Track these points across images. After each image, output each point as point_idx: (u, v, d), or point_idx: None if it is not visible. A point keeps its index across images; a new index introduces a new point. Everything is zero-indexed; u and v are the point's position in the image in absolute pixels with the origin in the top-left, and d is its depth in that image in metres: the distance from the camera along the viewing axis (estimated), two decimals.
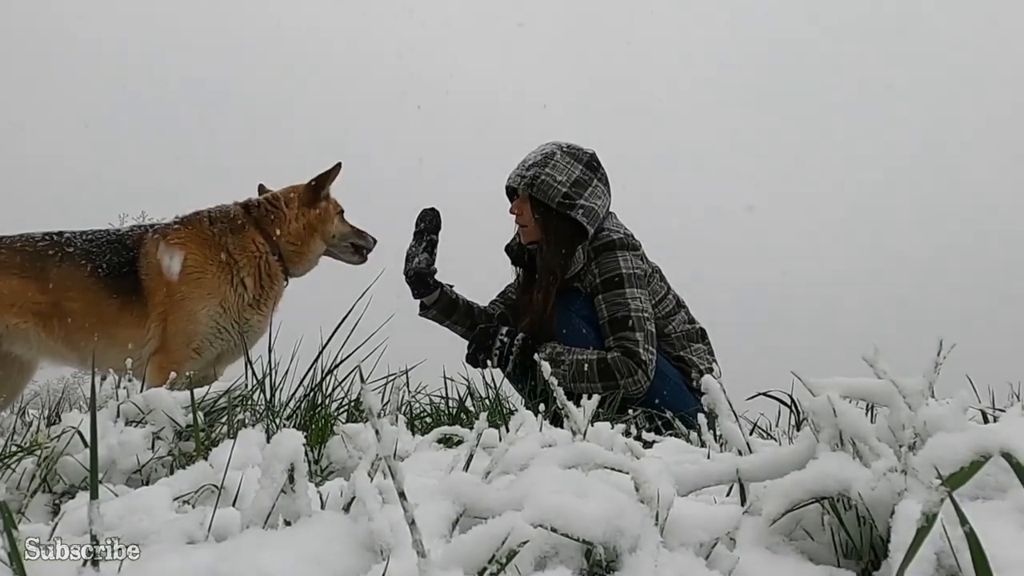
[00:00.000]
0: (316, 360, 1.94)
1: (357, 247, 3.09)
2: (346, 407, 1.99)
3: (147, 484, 1.26)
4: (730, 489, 1.02)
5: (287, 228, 2.83)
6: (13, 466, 1.26)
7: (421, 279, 2.79)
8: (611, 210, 2.85)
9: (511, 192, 2.92)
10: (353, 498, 0.79)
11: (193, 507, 0.97)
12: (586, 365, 2.56)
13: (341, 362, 2.11)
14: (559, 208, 2.70)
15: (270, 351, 2.25)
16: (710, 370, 2.82)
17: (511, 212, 2.89)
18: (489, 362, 2.60)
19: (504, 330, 2.69)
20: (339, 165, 2.99)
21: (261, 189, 3.07)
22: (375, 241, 3.11)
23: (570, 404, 1.27)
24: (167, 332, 2.56)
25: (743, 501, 0.92)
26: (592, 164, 2.79)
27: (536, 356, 2.11)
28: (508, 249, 3.03)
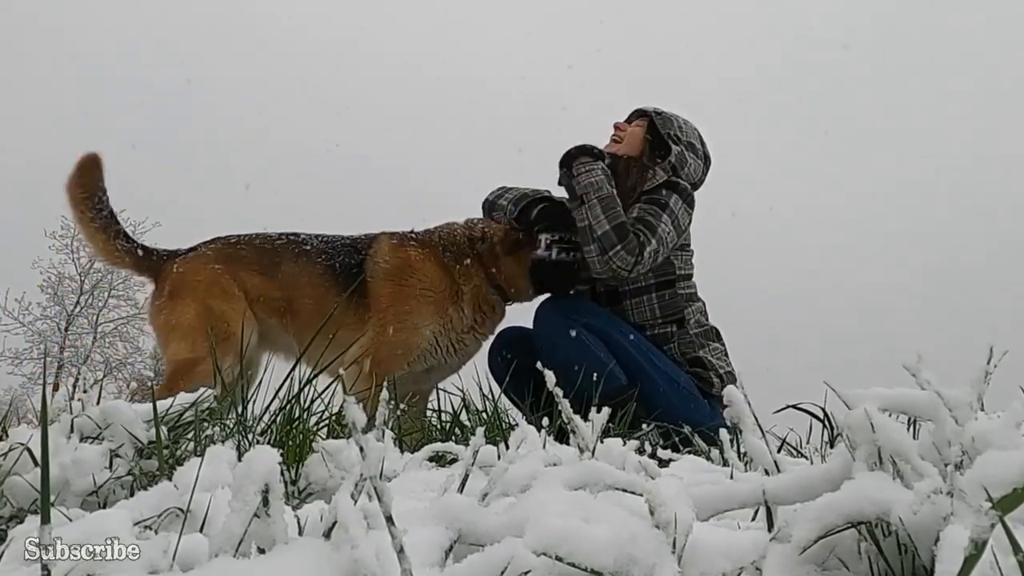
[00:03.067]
0: (293, 368, 1.94)
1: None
2: (327, 421, 1.99)
3: (104, 507, 1.26)
4: (756, 513, 1.02)
5: (502, 270, 3.10)
6: None
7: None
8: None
9: (632, 117, 3.30)
10: (335, 523, 0.79)
11: (156, 533, 0.97)
12: (620, 208, 2.85)
13: (322, 371, 2.11)
14: (667, 139, 3.11)
15: (242, 360, 2.26)
16: (729, 373, 2.85)
17: (615, 125, 3.26)
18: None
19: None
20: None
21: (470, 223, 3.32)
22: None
23: (577, 418, 1.27)
24: (384, 338, 2.83)
25: (770, 526, 0.92)
26: (707, 159, 3.22)
27: (597, 168, 2.82)
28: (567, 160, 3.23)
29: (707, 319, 3.01)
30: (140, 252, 3.01)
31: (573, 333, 2.75)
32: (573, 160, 2.95)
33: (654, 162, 3.10)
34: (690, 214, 3.02)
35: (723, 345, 2.98)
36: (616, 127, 3.26)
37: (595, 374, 2.41)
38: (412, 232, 3.11)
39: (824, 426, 2.00)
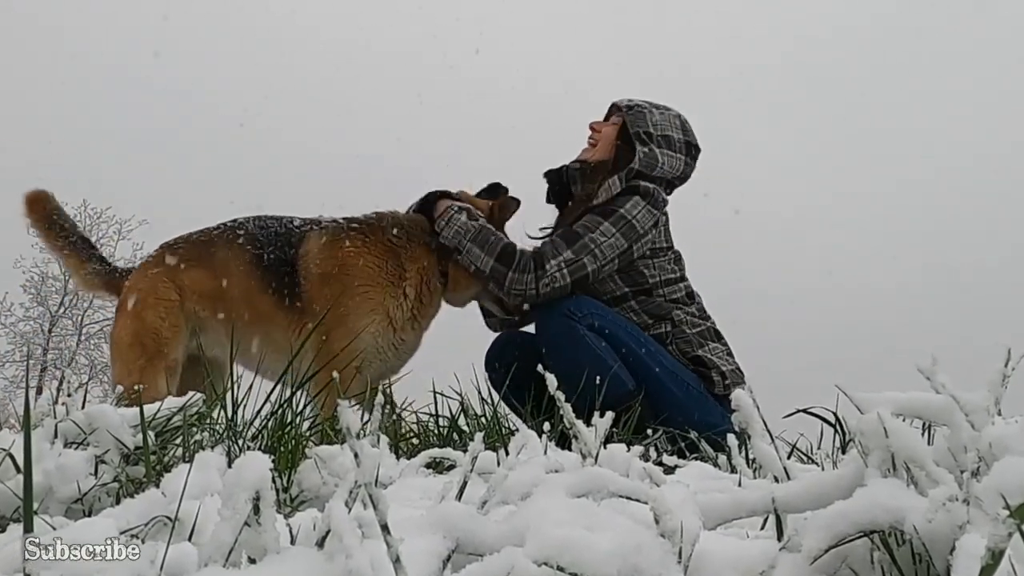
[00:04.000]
0: (285, 372, 1.94)
1: (499, 301, 3.17)
2: (320, 426, 1.99)
3: (89, 515, 1.26)
4: (765, 521, 1.02)
5: (451, 265, 3.03)
6: None
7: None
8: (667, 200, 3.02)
9: (609, 113, 3.18)
10: (328, 531, 0.79)
11: (143, 542, 0.97)
12: (496, 240, 2.79)
13: (315, 374, 2.11)
14: (634, 137, 2.97)
15: (231, 362, 2.26)
16: (733, 371, 2.84)
17: (591, 125, 3.14)
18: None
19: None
20: (519, 202, 3.22)
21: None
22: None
23: (580, 424, 1.27)
24: (329, 352, 2.71)
25: (780, 535, 0.92)
26: (691, 148, 3.08)
27: (454, 208, 2.75)
28: (549, 174, 3.17)
29: (705, 320, 2.95)
30: (108, 273, 3.03)
31: (578, 333, 2.70)
32: (432, 219, 2.92)
33: (618, 168, 2.97)
34: (655, 214, 2.88)
35: (724, 345, 2.94)
36: (592, 128, 3.16)
37: (599, 377, 2.40)
38: (357, 219, 3.01)
39: (836, 431, 2.00)
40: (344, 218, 3.02)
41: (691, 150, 3.09)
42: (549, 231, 3.13)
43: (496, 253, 2.76)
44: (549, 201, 3.19)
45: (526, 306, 2.87)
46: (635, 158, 2.94)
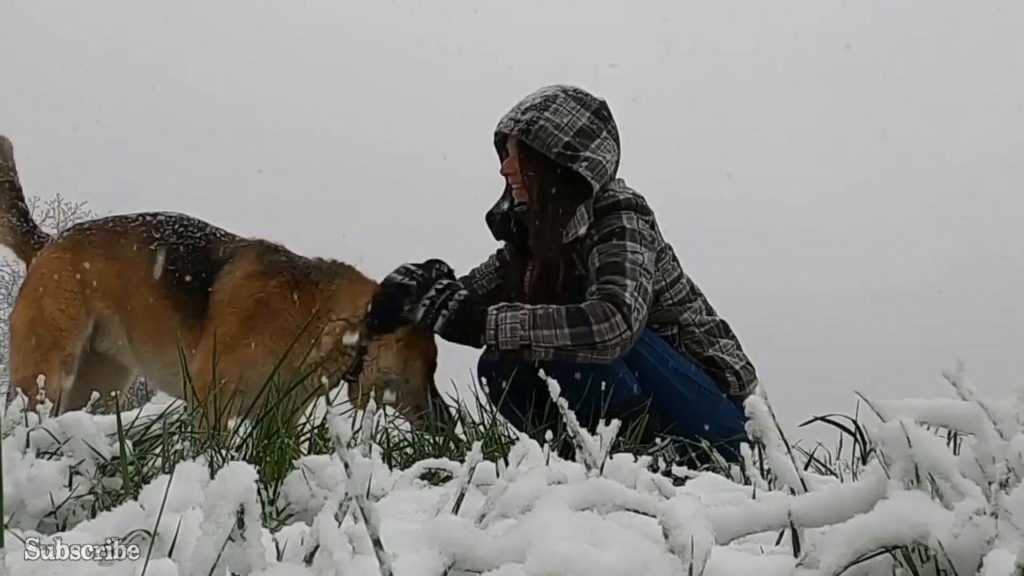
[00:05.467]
0: (271, 377, 1.94)
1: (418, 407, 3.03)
2: (308, 435, 1.99)
3: (63, 529, 1.26)
4: (781, 536, 1.02)
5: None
6: None
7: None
8: (619, 176, 2.88)
9: (502, 143, 2.92)
10: (317, 547, 0.79)
11: (120, 558, 0.97)
12: (554, 310, 2.56)
13: (301, 380, 2.11)
14: (558, 160, 2.72)
15: (214, 367, 2.26)
16: (744, 367, 2.83)
17: (503, 173, 2.89)
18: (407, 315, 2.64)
19: (443, 283, 2.71)
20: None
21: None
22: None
23: (584, 432, 1.27)
24: (207, 365, 2.65)
25: (796, 551, 0.92)
26: (602, 113, 2.83)
27: (491, 311, 2.40)
28: (490, 217, 3.02)
29: (711, 314, 2.93)
30: (25, 233, 2.94)
31: None
32: (476, 335, 2.61)
33: (562, 202, 2.74)
34: (647, 219, 2.77)
35: (733, 339, 2.92)
36: (507, 175, 2.88)
37: (603, 383, 2.39)
38: (294, 260, 2.92)
39: (856, 440, 2.00)
40: (280, 248, 2.95)
41: (601, 117, 2.82)
42: (512, 275, 3.00)
43: (565, 321, 2.53)
44: (499, 238, 3.03)
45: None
46: (585, 182, 2.70)
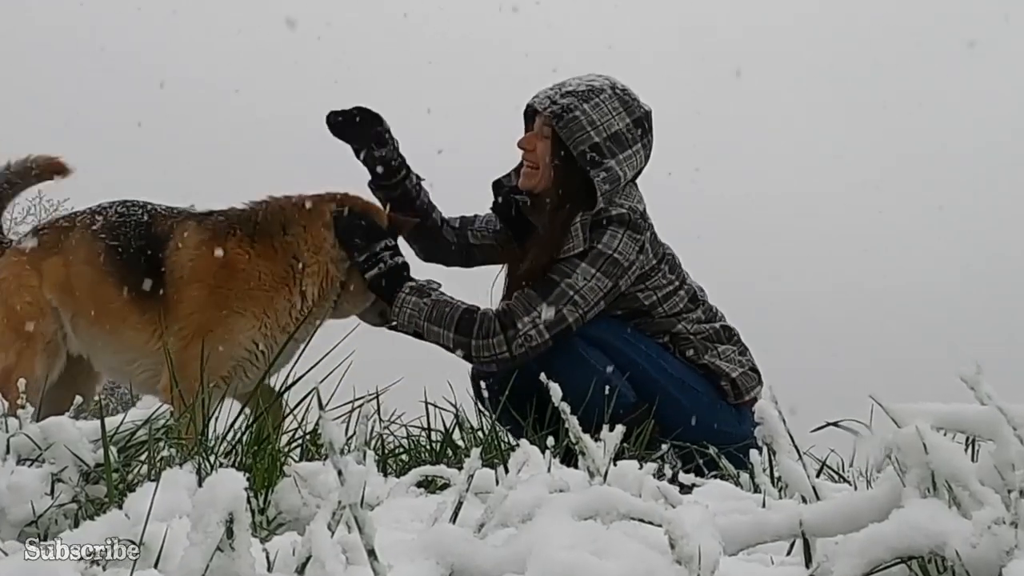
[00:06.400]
0: (261, 381, 1.94)
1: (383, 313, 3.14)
2: (300, 441, 1.99)
3: (45, 539, 1.26)
4: (792, 546, 1.02)
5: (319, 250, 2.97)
6: None
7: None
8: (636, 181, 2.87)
9: (531, 116, 2.88)
10: (309, 557, 0.79)
11: (104, 569, 0.97)
12: (452, 309, 2.66)
13: (294, 383, 2.11)
14: (580, 159, 2.70)
15: (202, 370, 2.26)
16: (745, 374, 2.81)
17: (520, 146, 2.87)
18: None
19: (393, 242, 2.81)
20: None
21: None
22: None
23: (587, 438, 1.27)
24: (190, 354, 2.69)
25: (808, 561, 0.92)
26: (643, 123, 2.79)
27: (405, 287, 2.61)
28: (496, 186, 3.03)
29: (711, 321, 2.88)
30: None
31: (572, 347, 2.68)
32: (388, 301, 2.76)
33: (570, 201, 2.73)
34: (639, 238, 2.72)
35: (736, 344, 2.88)
36: (523, 147, 2.86)
37: (595, 389, 2.40)
38: (237, 213, 2.95)
39: None
40: (220, 212, 2.96)
41: (642, 128, 2.79)
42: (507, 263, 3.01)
43: (454, 324, 2.63)
44: (497, 213, 3.06)
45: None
46: (595, 193, 2.68)
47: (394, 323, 2.79)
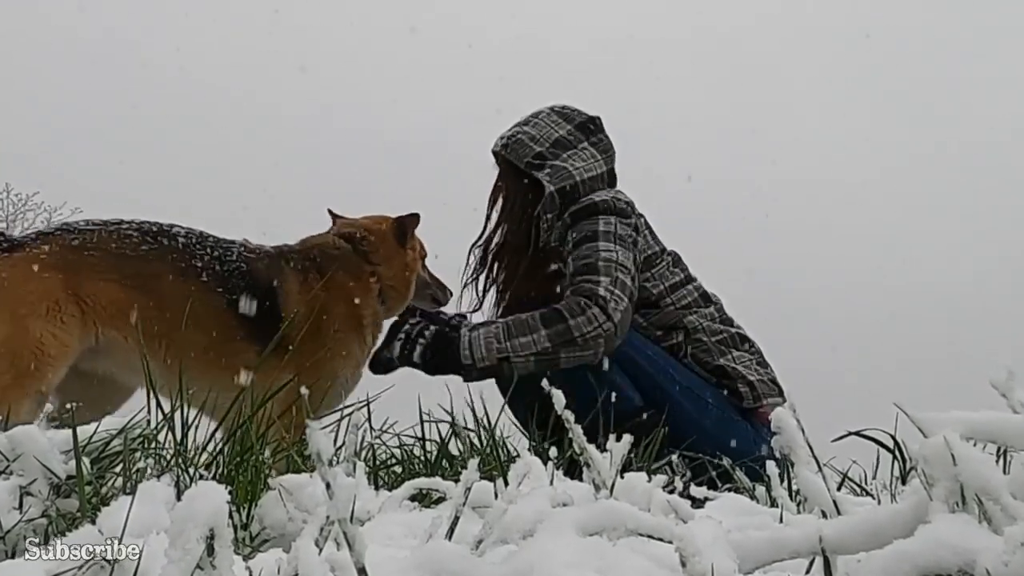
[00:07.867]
0: (245, 387, 1.94)
1: (435, 299, 3.41)
2: (286, 452, 1.99)
3: (13, 556, 1.26)
4: (811, 564, 1.02)
5: (392, 266, 3.20)
6: None
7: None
8: (619, 189, 3.03)
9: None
10: (296, 575, 0.79)
11: None
12: (527, 316, 2.68)
13: (279, 389, 2.11)
14: (527, 168, 2.97)
15: (180, 377, 2.26)
16: (762, 381, 2.83)
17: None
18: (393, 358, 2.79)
19: (414, 319, 2.87)
20: (418, 216, 3.34)
21: (332, 216, 3.41)
22: (451, 294, 3.41)
23: (592, 448, 1.27)
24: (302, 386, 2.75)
25: None
26: (587, 127, 3.07)
27: (463, 331, 2.59)
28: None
29: (727, 325, 2.95)
30: None
31: None
32: (455, 359, 2.70)
33: (528, 209, 2.98)
34: (627, 222, 2.86)
35: (752, 353, 2.93)
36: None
37: (600, 392, 2.41)
38: (314, 252, 3.10)
39: (894, 458, 2.00)
40: (296, 250, 3.12)
41: (588, 129, 3.06)
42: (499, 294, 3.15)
43: (539, 323, 2.64)
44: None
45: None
46: (544, 189, 2.91)
47: (470, 370, 2.68)
